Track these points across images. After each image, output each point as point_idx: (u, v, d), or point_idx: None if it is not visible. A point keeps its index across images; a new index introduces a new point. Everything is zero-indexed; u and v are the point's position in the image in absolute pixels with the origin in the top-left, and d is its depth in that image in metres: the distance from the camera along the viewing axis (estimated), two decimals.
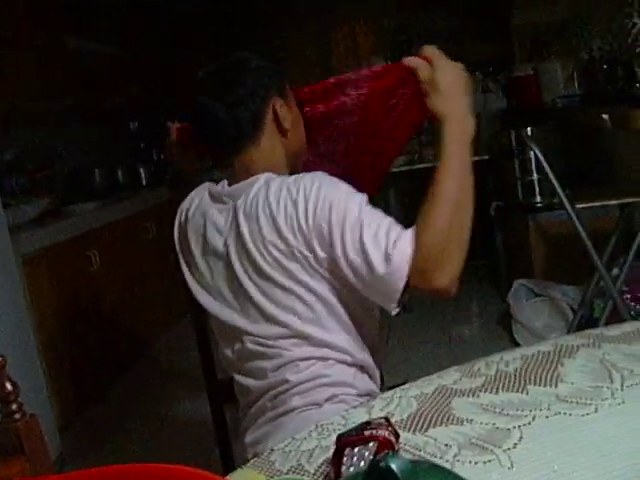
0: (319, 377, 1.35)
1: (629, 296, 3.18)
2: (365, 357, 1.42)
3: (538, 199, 3.70)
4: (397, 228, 1.24)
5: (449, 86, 1.34)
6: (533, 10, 4.70)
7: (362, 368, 1.42)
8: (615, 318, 2.99)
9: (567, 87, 4.18)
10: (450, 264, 1.22)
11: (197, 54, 5.68)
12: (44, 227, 3.45)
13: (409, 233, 1.22)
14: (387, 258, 1.19)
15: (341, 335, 1.36)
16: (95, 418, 3.48)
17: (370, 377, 1.44)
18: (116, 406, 3.61)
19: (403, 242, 1.20)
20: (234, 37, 6.14)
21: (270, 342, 1.36)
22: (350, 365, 1.38)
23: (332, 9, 6.34)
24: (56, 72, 4.03)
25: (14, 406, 0.86)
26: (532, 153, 3.31)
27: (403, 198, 4.61)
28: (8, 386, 0.86)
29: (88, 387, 3.58)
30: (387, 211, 4.16)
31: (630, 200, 2.89)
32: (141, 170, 5.14)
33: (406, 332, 4.01)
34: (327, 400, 1.35)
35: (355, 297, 1.34)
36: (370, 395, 1.36)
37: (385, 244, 1.20)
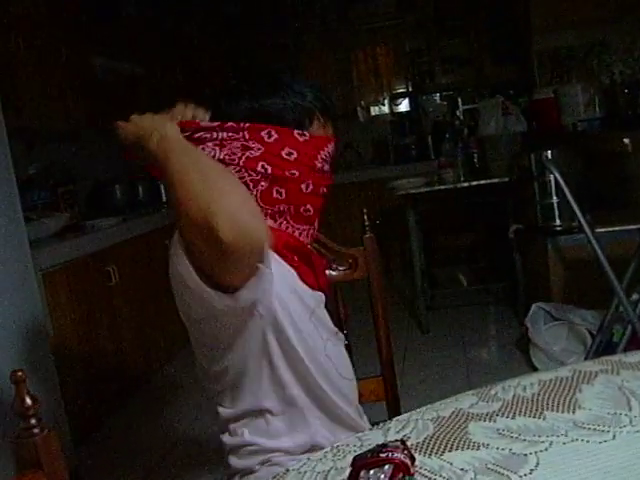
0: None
1: None
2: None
3: (557, 222, 3.68)
4: None
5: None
6: (554, 33, 4.70)
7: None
8: (635, 344, 2.96)
9: (587, 111, 4.17)
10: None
11: (212, 75, 5.75)
12: (64, 242, 3.48)
13: None
14: None
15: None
16: (111, 433, 3.49)
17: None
18: (132, 421, 3.61)
19: None
20: (251, 57, 6.19)
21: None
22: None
23: (353, 31, 6.41)
24: (79, 89, 4.08)
25: (33, 421, 0.87)
26: (552, 176, 3.30)
27: (422, 219, 4.61)
28: (28, 401, 0.86)
29: (104, 402, 3.60)
30: (407, 233, 4.13)
31: None
32: (161, 186, 5.18)
33: (422, 353, 4.00)
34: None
35: None
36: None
37: None
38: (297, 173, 1.32)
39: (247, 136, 1.31)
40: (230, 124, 1.31)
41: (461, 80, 6.32)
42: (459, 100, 6.02)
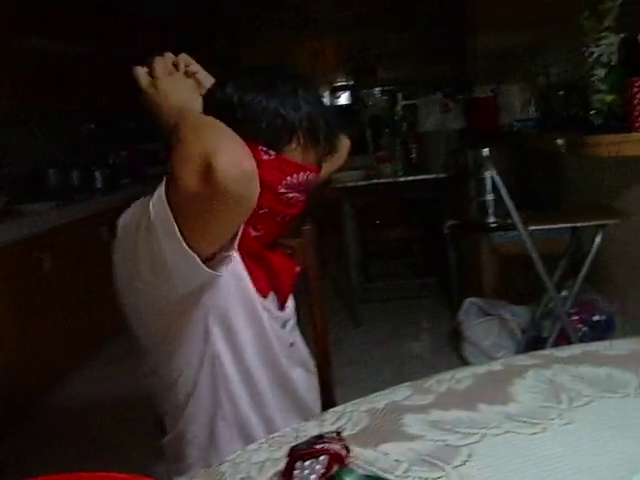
0: None
1: (577, 317, 3.24)
2: None
3: (492, 219, 3.74)
4: None
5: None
6: (495, 33, 4.78)
7: None
8: (563, 339, 3.04)
9: (524, 110, 4.25)
10: None
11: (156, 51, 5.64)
12: None
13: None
14: None
15: None
16: (32, 429, 3.41)
17: None
18: (55, 416, 3.53)
19: None
20: (193, 46, 6.11)
21: None
22: None
23: (294, 21, 6.39)
24: (14, 71, 3.97)
25: None
26: (488, 173, 3.35)
27: (359, 213, 4.64)
28: None
29: (28, 392, 3.52)
30: (343, 225, 4.14)
31: (581, 224, 2.95)
32: (96, 173, 5.08)
33: (356, 346, 4.03)
34: None
35: None
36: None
37: None
38: None
39: None
40: None
41: (402, 75, 6.37)
42: (399, 95, 6.05)
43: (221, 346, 1.25)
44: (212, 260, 1.11)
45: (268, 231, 1.30)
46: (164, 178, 1.05)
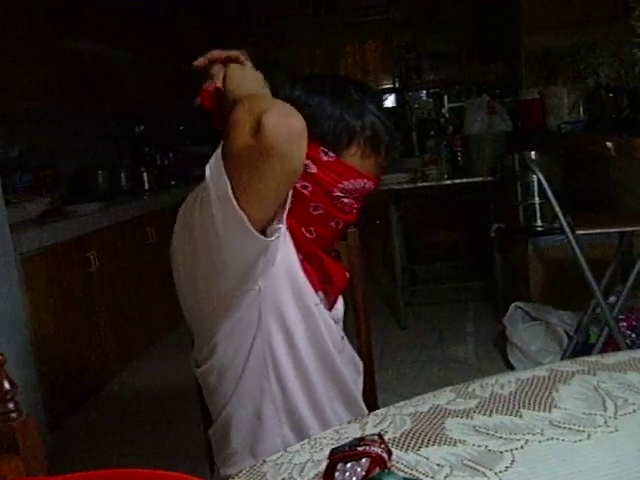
0: None
1: (625, 324, 3.18)
2: None
3: (539, 223, 3.71)
4: None
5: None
6: (542, 34, 4.72)
7: None
8: (610, 346, 2.99)
9: (572, 113, 4.19)
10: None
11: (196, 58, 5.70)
12: (45, 226, 3.45)
13: None
14: None
15: None
16: (87, 419, 3.48)
17: None
18: (109, 407, 3.60)
19: None
20: (236, 44, 6.16)
21: None
22: None
23: (341, 24, 6.39)
24: (59, 73, 4.03)
25: (11, 405, 0.87)
26: (535, 177, 3.32)
27: (404, 216, 4.62)
28: (6, 385, 0.86)
29: (80, 388, 3.59)
30: (389, 228, 4.12)
31: (630, 229, 2.90)
32: (144, 174, 5.15)
33: (400, 349, 4.01)
34: None
35: None
36: None
37: None
38: (310, 188, 1.24)
39: None
40: None
41: (448, 78, 6.33)
42: (445, 98, 6.03)
43: (274, 331, 1.26)
44: (264, 234, 1.11)
45: (321, 235, 1.30)
46: (221, 142, 1.08)
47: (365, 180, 1.26)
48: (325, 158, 1.22)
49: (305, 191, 1.24)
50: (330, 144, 1.23)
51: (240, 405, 1.31)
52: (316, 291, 1.33)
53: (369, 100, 1.27)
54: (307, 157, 1.15)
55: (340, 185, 1.24)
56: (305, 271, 1.30)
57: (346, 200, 1.26)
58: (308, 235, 1.28)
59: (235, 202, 1.05)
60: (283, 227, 1.13)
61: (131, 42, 5.00)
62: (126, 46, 4.95)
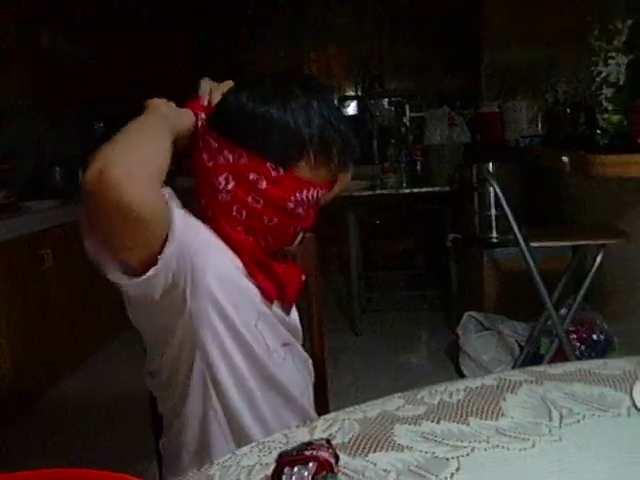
0: None
1: (575, 336, 3.24)
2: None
3: (494, 234, 3.76)
4: None
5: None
6: (504, 50, 4.79)
7: None
8: (560, 357, 3.04)
9: (530, 127, 4.26)
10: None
11: (168, 63, 5.68)
12: None
13: None
14: None
15: None
16: (34, 421, 3.42)
17: None
18: (60, 404, 3.55)
19: None
20: (204, 54, 6.15)
21: None
22: None
23: (308, 28, 6.40)
24: (23, 68, 3.98)
25: None
26: (491, 189, 3.36)
27: (362, 222, 4.64)
28: None
29: (32, 386, 3.53)
30: (346, 235, 4.14)
31: (582, 242, 2.96)
32: None
33: (354, 356, 4.03)
34: None
35: None
36: None
37: None
38: (262, 202, 1.21)
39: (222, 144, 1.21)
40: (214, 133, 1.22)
41: (410, 88, 6.38)
42: (407, 107, 6.07)
43: (211, 349, 1.25)
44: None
45: (279, 241, 1.30)
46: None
47: (319, 189, 1.25)
48: (274, 174, 1.20)
49: (257, 205, 1.22)
50: (278, 158, 1.20)
51: (187, 424, 1.32)
52: (271, 301, 1.33)
53: (318, 100, 1.22)
54: (255, 173, 1.18)
55: (292, 198, 1.22)
56: (259, 283, 1.29)
57: (301, 210, 1.25)
58: (264, 243, 1.27)
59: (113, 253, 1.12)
60: (162, 262, 1.12)
61: (97, 39, 4.95)
62: (91, 43, 4.89)
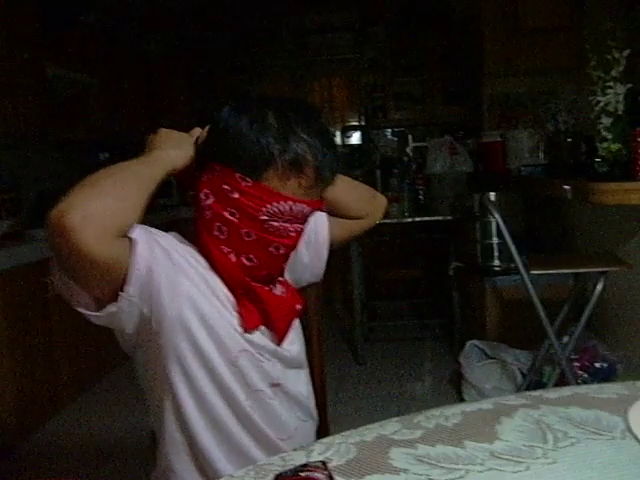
0: None
1: (578, 364, 3.23)
2: None
3: (496, 263, 3.76)
4: None
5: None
6: (505, 80, 4.84)
7: None
8: (563, 385, 3.03)
9: (532, 156, 4.29)
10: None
11: (172, 93, 5.75)
12: (3, 249, 3.42)
13: None
14: None
15: None
16: (32, 449, 3.42)
17: None
18: (57, 436, 3.54)
19: None
20: (210, 83, 6.23)
21: None
22: None
23: (311, 60, 6.48)
24: (28, 98, 4.03)
25: None
26: (493, 218, 3.38)
27: (365, 251, 4.66)
28: None
29: (34, 413, 3.53)
30: (348, 264, 4.13)
31: (584, 270, 2.96)
32: None
33: (357, 385, 4.02)
34: None
35: None
36: None
37: None
38: (237, 214, 1.23)
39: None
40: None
41: (413, 118, 6.44)
42: (409, 137, 6.12)
43: (181, 388, 1.26)
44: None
45: (263, 262, 1.28)
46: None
47: (290, 202, 1.23)
48: (244, 184, 1.21)
49: (233, 218, 1.23)
50: (247, 169, 1.21)
51: (170, 459, 1.33)
52: (256, 327, 1.32)
53: (302, 122, 1.23)
54: (227, 184, 1.22)
55: (264, 209, 1.22)
56: (240, 307, 1.30)
57: (276, 224, 1.24)
58: (248, 263, 1.27)
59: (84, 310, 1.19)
60: (126, 299, 1.15)
61: (100, 70, 5.02)
62: (94, 74, 4.96)
